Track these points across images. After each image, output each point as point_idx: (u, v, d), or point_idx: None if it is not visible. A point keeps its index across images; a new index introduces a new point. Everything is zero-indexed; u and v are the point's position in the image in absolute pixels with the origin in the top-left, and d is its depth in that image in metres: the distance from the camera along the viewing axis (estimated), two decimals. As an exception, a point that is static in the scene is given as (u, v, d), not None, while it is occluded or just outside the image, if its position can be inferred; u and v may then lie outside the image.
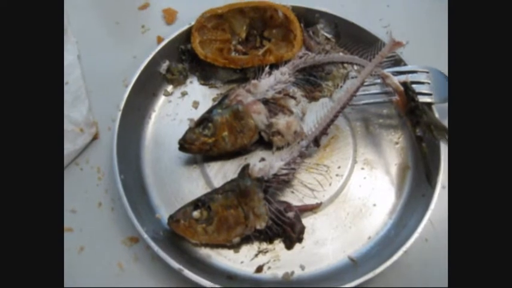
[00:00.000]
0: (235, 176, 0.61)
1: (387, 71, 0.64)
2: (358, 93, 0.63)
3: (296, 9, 0.71)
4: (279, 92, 0.65)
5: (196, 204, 0.58)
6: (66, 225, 0.62)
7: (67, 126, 0.65)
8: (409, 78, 0.64)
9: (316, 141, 0.62)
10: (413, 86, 0.63)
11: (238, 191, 0.57)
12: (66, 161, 0.65)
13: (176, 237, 0.58)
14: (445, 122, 0.62)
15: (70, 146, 0.64)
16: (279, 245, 0.59)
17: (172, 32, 0.70)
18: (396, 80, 0.63)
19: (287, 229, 0.58)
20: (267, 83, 0.64)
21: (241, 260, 0.58)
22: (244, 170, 0.58)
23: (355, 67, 0.68)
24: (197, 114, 0.66)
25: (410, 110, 0.62)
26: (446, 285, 0.44)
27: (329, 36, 0.73)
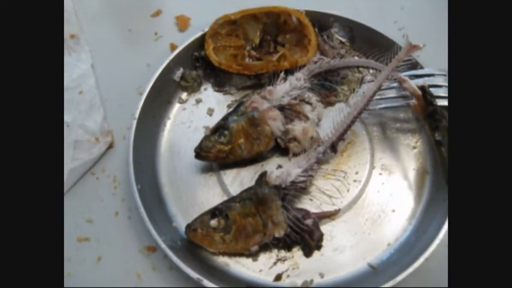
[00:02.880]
0: (251, 183, 0.60)
1: (404, 75, 0.63)
2: (374, 98, 0.63)
3: (310, 14, 0.70)
4: (295, 98, 0.65)
5: (214, 212, 0.58)
6: (83, 235, 0.62)
7: (82, 135, 0.65)
8: (426, 81, 0.63)
9: (333, 147, 0.61)
10: (431, 89, 0.62)
11: (256, 199, 0.57)
12: (81, 170, 0.65)
13: (194, 246, 0.58)
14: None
15: (85, 156, 0.65)
16: (297, 253, 0.59)
17: (186, 39, 0.70)
18: (413, 83, 0.62)
19: (305, 237, 0.57)
20: (282, 89, 0.64)
21: (259, 269, 0.58)
22: (262, 178, 0.58)
23: (371, 71, 0.68)
24: (212, 122, 0.65)
25: (429, 114, 0.61)
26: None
27: (343, 40, 0.72)
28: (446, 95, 0.63)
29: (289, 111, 0.64)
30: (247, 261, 0.58)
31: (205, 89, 0.72)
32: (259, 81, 0.69)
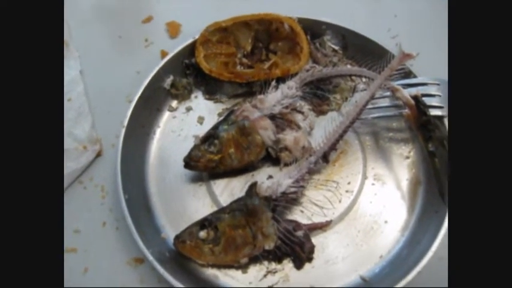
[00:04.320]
0: (242, 193, 0.59)
1: (397, 84, 0.62)
2: (367, 107, 0.62)
3: (302, 21, 0.70)
4: (286, 107, 0.64)
5: (203, 224, 0.57)
6: (69, 245, 0.60)
7: (70, 144, 0.64)
8: (420, 90, 0.62)
9: (325, 157, 0.61)
10: (424, 98, 0.61)
11: (246, 210, 0.56)
12: (69, 180, 0.63)
13: (182, 257, 0.57)
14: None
15: (73, 165, 0.63)
16: (288, 265, 0.58)
17: (176, 46, 0.69)
18: (406, 93, 0.61)
19: (296, 249, 0.56)
20: (274, 98, 0.63)
21: (249, 281, 0.57)
22: (252, 189, 0.57)
23: (364, 80, 0.67)
24: (202, 130, 0.65)
25: (422, 125, 0.60)
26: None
27: (336, 48, 0.71)
28: (439, 104, 0.62)
29: (281, 120, 0.63)
30: (236, 274, 0.57)
31: (195, 97, 0.71)
32: (250, 89, 0.69)
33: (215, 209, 0.61)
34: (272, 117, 0.63)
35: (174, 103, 0.70)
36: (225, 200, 0.61)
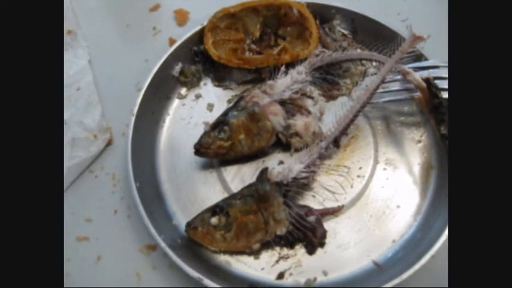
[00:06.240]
0: (253, 179, 0.59)
1: (408, 67, 0.62)
2: (378, 91, 0.61)
3: (311, 6, 0.69)
4: (296, 92, 0.63)
5: (214, 210, 0.56)
6: (82, 234, 0.61)
7: (80, 133, 0.65)
8: (431, 73, 0.61)
9: (336, 142, 0.60)
10: (436, 81, 0.61)
11: (257, 196, 0.55)
12: (79, 169, 0.64)
13: (194, 244, 0.57)
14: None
15: (83, 154, 0.64)
16: (300, 251, 0.57)
17: (185, 33, 0.69)
18: (418, 76, 0.61)
19: (308, 234, 0.56)
20: (284, 83, 0.63)
21: (261, 267, 0.57)
22: (263, 174, 0.57)
23: (374, 64, 0.67)
24: (212, 117, 0.64)
25: (434, 107, 0.59)
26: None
27: (346, 32, 0.71)
28: (451, 87, 0.62)
29: (291, 106, 0.63)
30: (248, 260, 0.57)
31: (204, 84, 0.70)
32: (259, 76, 0.68)
33: (226, 195, 0.60)
34: (282, 102, 0.62)
35: (183, 90, 0.70)
36: (235, 187, 0.61)
